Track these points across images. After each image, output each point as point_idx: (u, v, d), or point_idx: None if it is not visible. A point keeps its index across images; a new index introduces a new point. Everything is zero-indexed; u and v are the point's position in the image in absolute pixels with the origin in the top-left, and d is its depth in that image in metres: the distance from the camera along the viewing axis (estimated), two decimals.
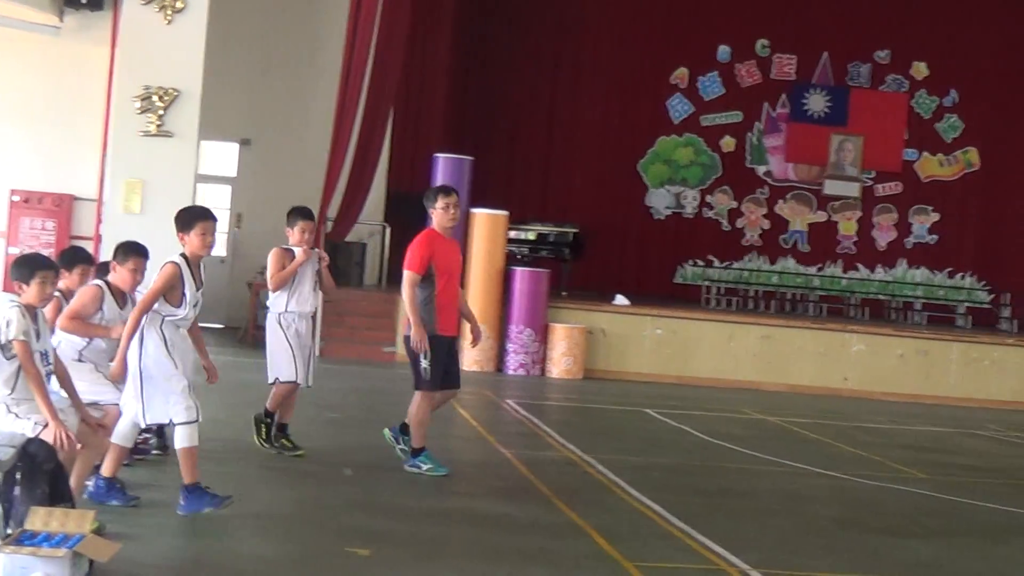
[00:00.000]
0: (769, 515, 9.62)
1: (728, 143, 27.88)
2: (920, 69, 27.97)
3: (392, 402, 13.28)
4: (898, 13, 27.68)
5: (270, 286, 10.47)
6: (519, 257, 22.36)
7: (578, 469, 11.17)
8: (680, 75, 27.77)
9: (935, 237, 28.11)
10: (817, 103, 27.97)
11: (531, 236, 23.39)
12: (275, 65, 22.73)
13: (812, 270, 27.69)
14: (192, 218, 8.20)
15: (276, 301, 10.44)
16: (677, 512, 9.31)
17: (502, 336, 19.42)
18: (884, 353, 20.23)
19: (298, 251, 10.44)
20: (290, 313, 10.39)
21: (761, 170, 28.03)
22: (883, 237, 28.09)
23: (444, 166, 20.30)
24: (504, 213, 20.02)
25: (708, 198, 27.92)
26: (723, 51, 27.78)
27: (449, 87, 26.16)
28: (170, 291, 7.98)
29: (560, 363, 19.38)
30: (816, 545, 8.73)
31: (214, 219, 8.27)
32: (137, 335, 7.93)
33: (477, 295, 19.08)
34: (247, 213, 22.85)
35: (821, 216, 28.06)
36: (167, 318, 8.03)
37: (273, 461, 10.20)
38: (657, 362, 19.99)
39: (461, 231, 19.03)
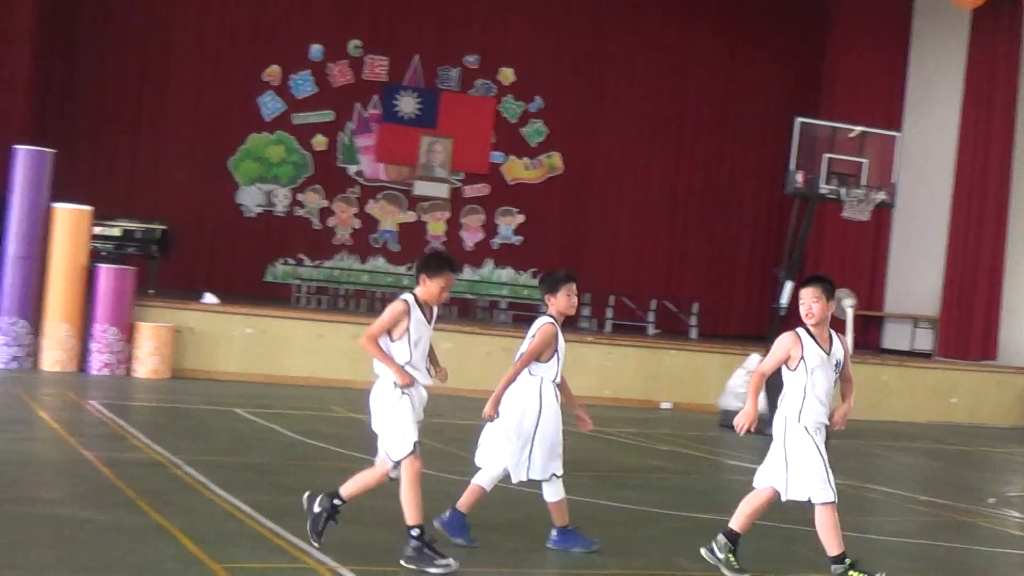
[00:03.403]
0: (360, 512, 9.64)
1: (320, 142, 27.88)
2: (507, 75, 28.84)
3: None
4: (487, 19, 28.47)
5: None
6: (104, 254, 21.58)
7: (164, 470, 10.89)
8: (272, 72, 27.55)
9: (521, 238, 29.04)
10: (408, 105, 28.36)
11: (117, 233, 22.59)
12: None
13: (402, 269, 28.05)
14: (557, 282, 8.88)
15: None
16: (266, 512, 9.21)
17: (85, 335, 18.72)
18: (471, 351, 20.68)
19: None
20: None
21: (352, 170, 28.18)
22: (471, 238, 28.79)
23: (24, 159, 19.26)
24: (88, 208, 19.31)
25: (299, 197, 27.82)
26: (315, 50, 27.75)
27: (31, 72, 24.84)
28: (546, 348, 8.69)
29: (147, 363, 18.87)
30: (403, 539, 8.80)
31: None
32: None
33: (59, 293, 18.33)
34: None
35: (411, 216, 28.47)
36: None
37: None
38: (247, 361, 19.76)
39: (42, 228, 18.27)
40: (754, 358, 18.93)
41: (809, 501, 8.27)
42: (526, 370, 8.80)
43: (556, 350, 8.82)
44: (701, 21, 29.46)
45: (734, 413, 18.51)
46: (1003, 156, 26.70)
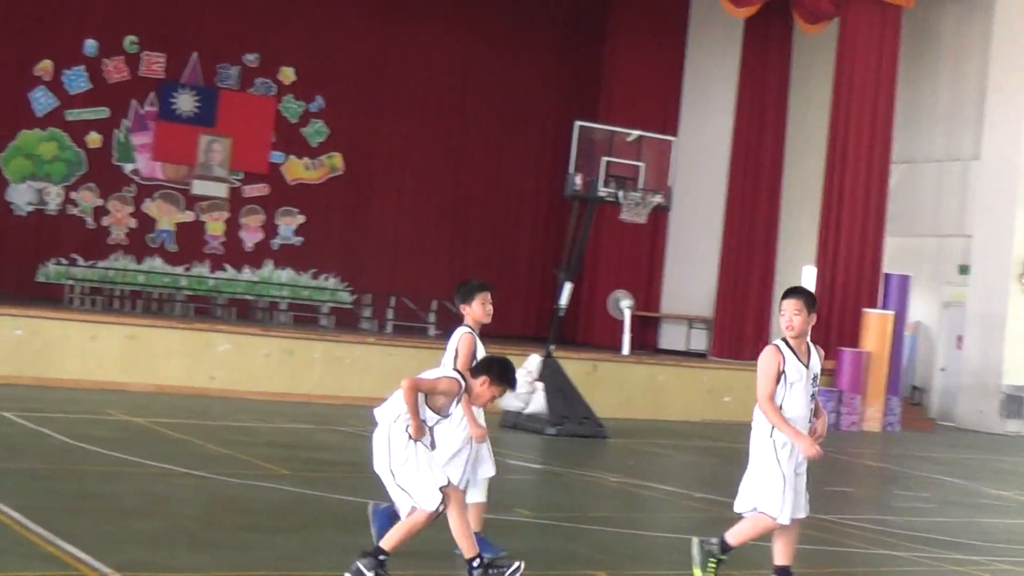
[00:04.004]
0: (134, 517, 9.41)
1: (94, 139, 27.16)
2: (288, 74, 28.56)
3: None
4: (267, 18, 28.14)
5: None
6: None
7: None
8: (44, 67, 26.72)
9: (301, 239, 28.79)
10: (186, 103, 27.85)
11: None
12: None
13: (179, 270, 27.53)
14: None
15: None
16: (36, 518, 8.90)
17: None
18: (251, 352, 20.40)
19: None
20: None
21: (128, 168, 27.53)
22: (250, 238, 28.42)
23: None
24: None
25: (73, 195, 27.04)
26: (90, 45, 27.03)
27: None
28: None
29: None
30: (182, 545, 8.63)
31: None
32: None
33: None
34: None
35: (189, 216, 27.96)
36: None
37: None
38: (17, 363, 19.06)
39: None
40: (534, 358, 19.12)
41: (754, 510, 8.09)
42: None
43: (476, 359, 8.66)
44: (482, 23, 29.68)
45: (515, 414, 18.76)
46: (774, 161, 27.60)
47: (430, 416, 7.95)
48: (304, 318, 26.52)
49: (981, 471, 19.21)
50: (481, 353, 8.78)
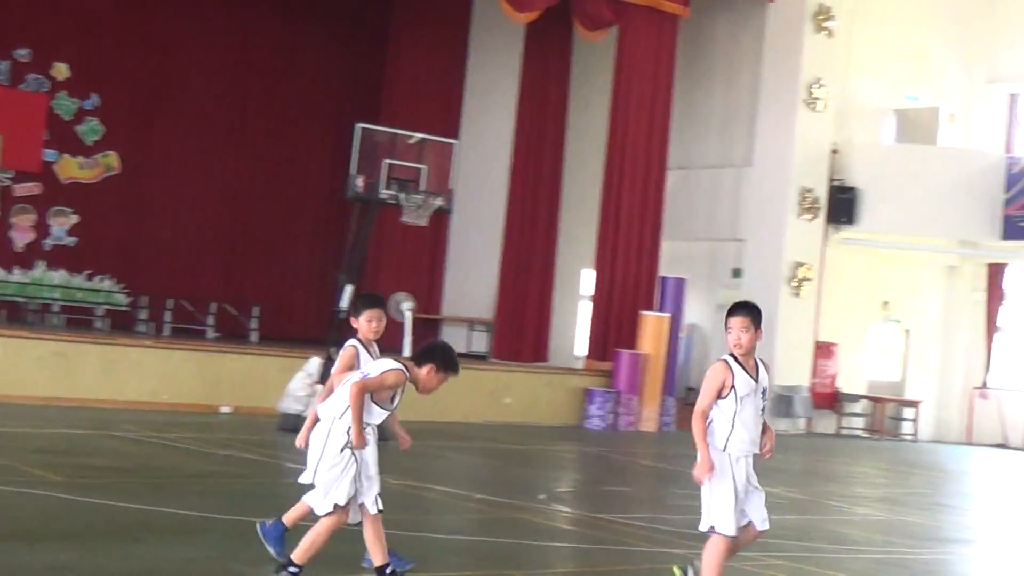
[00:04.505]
0: None
1: None
2: (61, 70, 27.71)
3: None
4: (39, 11, 27.25)
5: None
6: None
7: None
8: None
9: (75, 239, 27.96)
10: None
11: None
12: None
13: None
14: None
15: None
16: None
17: None
18: (21, 356, 19.78)
19: None
20: None
21: None
22: (21, 238, 27.48)
23: None
24: None
25: None
26: None
27: None
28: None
29: None
30: None
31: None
32: None
33: None
34: None
35: None
36: None
37: None
38: None
39: None
40: (315, 361, 18.97)
41: (711, 530, 8.05)
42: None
43: (359, 369, 8.57)
44: (263, 22, 29.29)
45: (294, 416, 18.63)
46: (554, 165, 27.95)
47: (376, 412, 7.96)
48: (78, 320, 25.79)
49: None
50: (364, 365, 8.74)
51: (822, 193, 28.13)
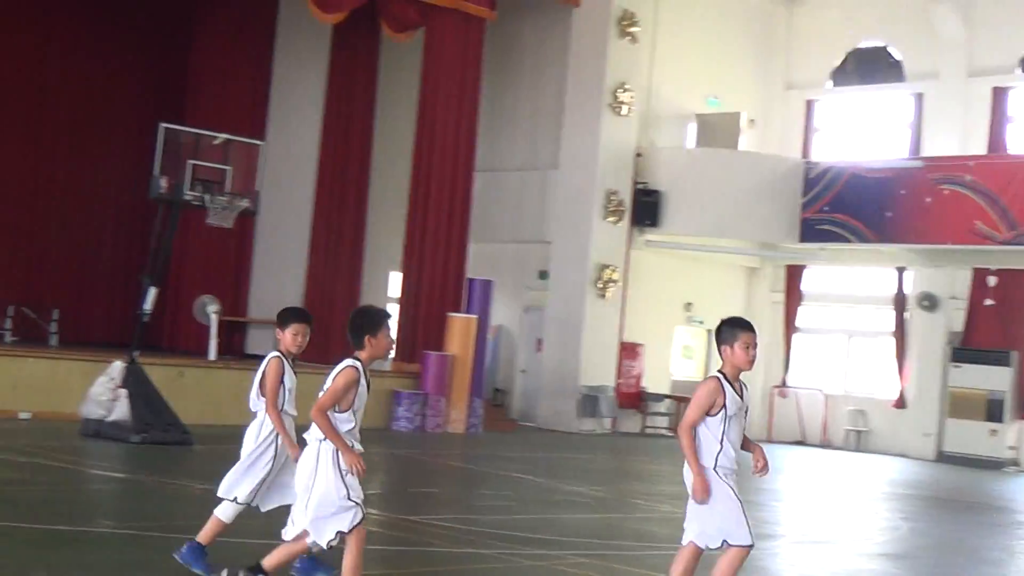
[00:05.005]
0: None
1: None
2: None
3: None
4: None
5: None
6: None
7: None
8: None
9: None
10: None
11: None
12: None
13: None
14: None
15: None
16: None
17: None
18: None
19: None
20: None
21: None
22: None
23: None
24: None
25: None
26: None
27: None
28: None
29: None
30: None
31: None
32: None
33: None
34: None
35: None
36: None
37: None
38: None
39: None
40: (117, 365, 18.57)
41: (724, 544, 8.03)
42: (261, 403, 8.87)
43: (283, 382, 8.86)
44: (62, 16, 28.48)
45: (95, 422, 18.19)
46: (362, 167, 27.83)
47: (343, 419, 7.82)
48: None
49: (558, 469, 20.03)
50: (290, 379, 8.84)
51: (627, 196, 28.57)
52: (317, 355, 26.59)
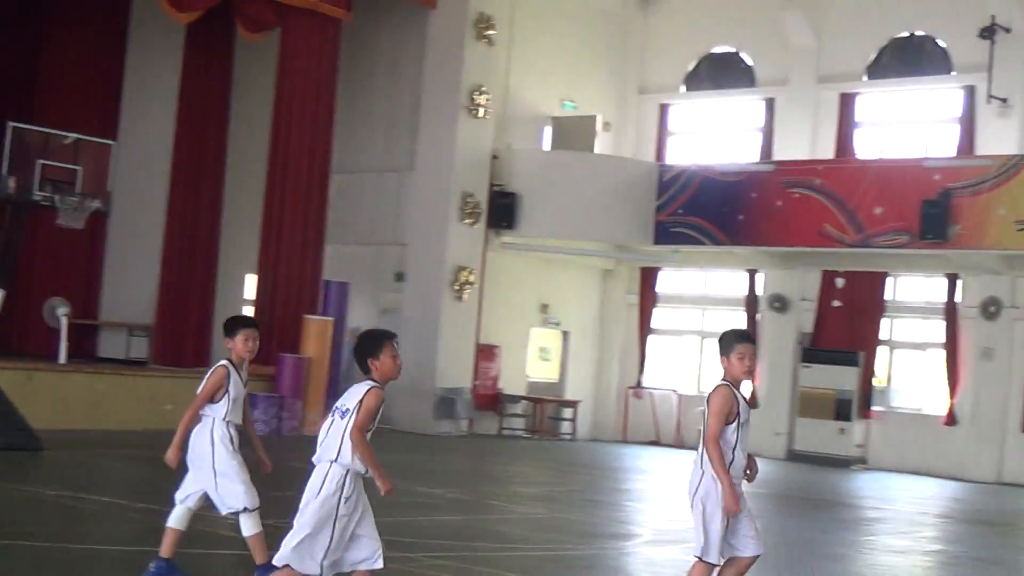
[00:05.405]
0: None
1: None
2: None
3: None
4: None
5: None
6: None
7: None
8: None
9: None
10: None
11: None
12: None
13: None
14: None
15: None
16: None
17: None
18: None
19: None
20: None
21: None
22: None
23: None
24: None
25: None
26: None
27: None
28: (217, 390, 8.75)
29: None
30: None
31: None
32: None
33: None
34: None
35: None
36: None
37: None
38: None
39: None
40: None
41: (733, 554, 7.99)
42: (209, 409, 8.90)
43: (227, 390, 8.82)
44: None
45: None
46: (216, 168, 27.47)
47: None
48: None
49: (415, 471, 20.01)
50: (236, 387, 8.87)
51: (483, 198, 28.69)
52: (171, 359, 26.50)
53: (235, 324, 9.14)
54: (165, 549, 8.93)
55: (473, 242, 28.66)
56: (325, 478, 7.55)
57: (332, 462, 7.55)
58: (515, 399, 29.64)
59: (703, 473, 7.98)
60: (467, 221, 28.40)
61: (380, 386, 7.62)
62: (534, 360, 30.99)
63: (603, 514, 16.44)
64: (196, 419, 9.00)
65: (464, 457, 24.01)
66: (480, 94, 28.35)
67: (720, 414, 7.86)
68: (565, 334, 31.23)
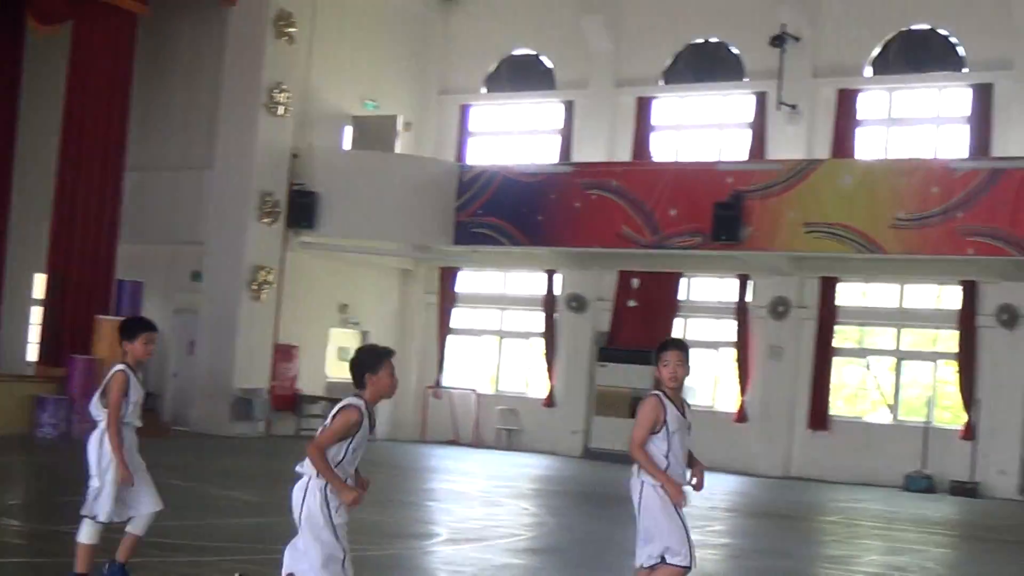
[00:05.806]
0: None
1: None
2: None
3: None
4: None
5: None
6: None
7: None
8: None
9: None
10: None
11: None
12: None
13: None
14: None
15: None
16: None
17: None
18: None
19: None
20: None
21: None
22: None
23: None
24: None
25: None
26: None
27: None
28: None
29: None
30: None
31: None
32: None
33: None
34: None
35: None
36: None
37: None
38: None
39: None
40: None
41: (662, 560, 7.86)
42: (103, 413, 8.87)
43: (127, 394, 8.83)
44: None
45: None
46: (3, 164, 26.75)
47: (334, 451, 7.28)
48: None
49: (211, 473, 19.75)
50: (135, 390, 8.83)
51: (282, 197, 28.41)
52: None
53: (136, 327, 9.09)
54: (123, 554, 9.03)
55: (272, 242, 28.37)
56: (306, 492, 7.33)
57: (311, 478, 7.31)
58: (313, 399, 29.43)
59: (642, 483, 8.10)
60: (266, 220, 28.09)
61: (359, 405, 7.33)
62: (333, 360, 30.80)
63: (403, 514, 16.44)
64: (93, 426, 8.96)
65: (261, 458, 23.75)
66: (280, 92, 28.07)
67: (643, 424, 8.02)
68: (364, 334, 31.11)
